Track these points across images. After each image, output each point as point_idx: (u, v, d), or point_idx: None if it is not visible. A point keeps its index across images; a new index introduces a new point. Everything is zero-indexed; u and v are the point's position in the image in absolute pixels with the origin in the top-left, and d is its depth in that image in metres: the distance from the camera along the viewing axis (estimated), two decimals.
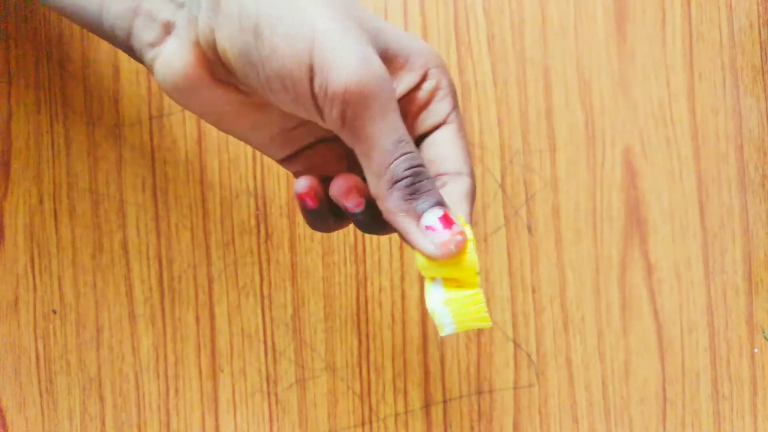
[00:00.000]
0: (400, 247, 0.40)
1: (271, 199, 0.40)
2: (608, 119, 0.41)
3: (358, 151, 0.26)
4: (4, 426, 0.40)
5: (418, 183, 0.26)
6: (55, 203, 0.40)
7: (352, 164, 0.30)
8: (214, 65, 0.26)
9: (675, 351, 0.41)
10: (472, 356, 0.40)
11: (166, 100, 0.40)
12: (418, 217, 0.26)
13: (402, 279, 0.40)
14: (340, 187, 0.28)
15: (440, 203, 0.26)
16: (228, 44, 0.25)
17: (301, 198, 0.28)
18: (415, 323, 0.40)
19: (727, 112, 0.41)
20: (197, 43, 0.26)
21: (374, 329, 0.40)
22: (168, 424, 0.40)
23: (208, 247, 0.40)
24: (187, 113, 0.40)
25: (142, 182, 0.40)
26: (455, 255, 0.26)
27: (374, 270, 0.40)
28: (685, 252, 0.41)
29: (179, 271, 0.40)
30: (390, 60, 0.28)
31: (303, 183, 0.28)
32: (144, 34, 0.27)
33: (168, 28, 0.26)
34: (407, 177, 0.25)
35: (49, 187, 0.40)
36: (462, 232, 0.26)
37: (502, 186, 0.40)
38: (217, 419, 0.40)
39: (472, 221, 0.29)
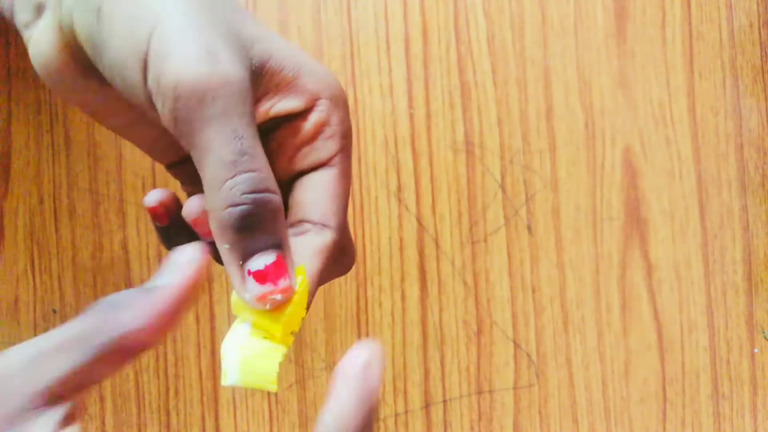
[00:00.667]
0: (400, 248, 0.40)
1: None
2: (608, 119, 0.41)
3: (194, 158, 0.22)
4: None
5: (256, 216, 0.21)
6: (55, 203, 0.40)
7: None
8: (76, 51, 0.24)
9: (675, 351, 0.41)
10: (472, 356, 0.40)
11: None
12: (246, 256, 0.22)
13: (402, 279, 0.40)
14: (191, 211, 0.24)
15: (278, 245, 0.22)
16: (79, 27, 0.23)
17: (150, 213, 0.25)
18: (415, 323, 0.40)
19: (727, 112, 0.41)
20: (61, 28, 0.24)
21: (374, 329, 0.40)
22: (168, 424, 0.40)
23: None
24: None
25: (142, 182, 0.40)
26: (272, 310, 0.22)
27: (374, 270, 0.40)
28: (685, 252, 0.41)
29: None
30: (271, 74, 0.24)
31: (153, 196, 0.25)
32: (21, 14, 0.25)
33: (40, 10, 0.25)
34: (245, 204, 0.21)
35: (49, 187, 0.40)
36: (287, 290, 0.22)
37: (502, 186, 0.41)
38: (217, 419, 0.40)
39: (319, 280, 0.25)
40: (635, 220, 0.41)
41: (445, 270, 0.40)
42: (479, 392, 0.40)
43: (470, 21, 0.40)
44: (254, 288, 0.22)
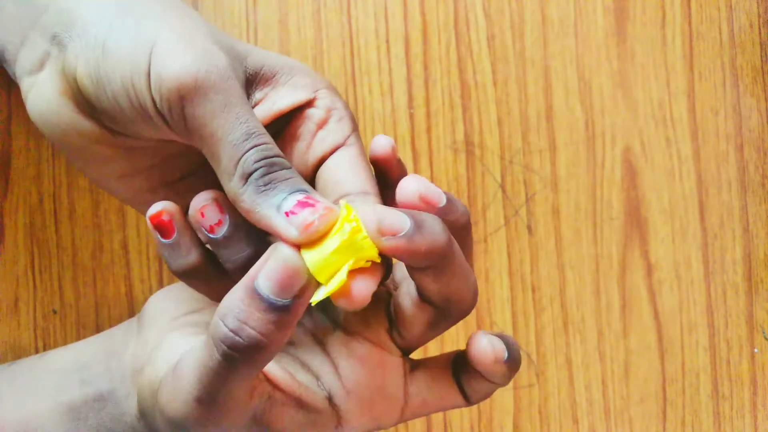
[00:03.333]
0: None
1: None
2: (608, 119, 0.41)
3: (206, 153, 0.23)
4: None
5: (273, 173, 0.23)
6: (55, 203, 0.40)
7: None
8: (78, 96, 0.25)
9: (675, 351, 0.41)
10: None
11: None
12: (277, 206, 0.22)
13: None
14: (197, 202, 0.24)
15: (301, 189, 0.23)
16: (83, 68, 0.24)
17: (153, 224, 0.24)
18: None
19: (727, 112, 0.41)
20: (65, 74, 0.25)
21: None
22: None
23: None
24: None
25: None
26: (324, 233, 0.22)
27: None
28: (685, 252, 0.41)
29: None
30: (267, 78, 0.26)
31: (157, 206, 0.24)
32: (26, 63, 0.26)
33: (44, 59, 0.26)
34: (259, 168, 0.22)
35: (49, 187, 0.40)
36: (327, 209, 0.22)
37: (502, 186, 0.41)
38: None
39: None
40: (635, 220, 0.41)
41: None
42: None
43: (470, 21, 0.40)
44: (296, 220, 0.22)
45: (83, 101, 0.25)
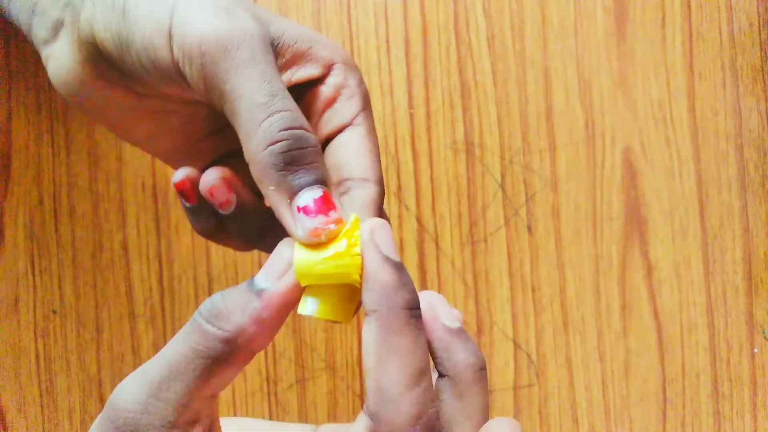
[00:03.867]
0: (400, 248, 0.40)
1: None
2: (608, 119, 0.41)
3: (227, 111, 0.23)
4: (4, 426, 0.40)
5: (297, 151, 0.22)
6: (55, 203, 0.40)
7: None
8: (98, 62, 0.25)
9: (675, 351, 0.41)
10: None
11: None
12: (293, 194, 0.22)
13: None
14: (206, 180, 0.24)
15: (322, 181, 0.22)
16: (104, 34, 0.24)
17: (178, 191, 0.25)
18: None
19: (727, 112, 0.41)
20: (81, 42, 0.25)
21: None
22: None
23: (208, 247, 0.40)
24: None
25: (142, 182, 0.40)
26: (327, 245, 0.22)
27: None
28: (685, 252, 0.41)
29: (179, 271, 0.40)
30: (287, 47, 0.25)
31: (180, 173, 0.25)
32: (39, 32, 0.26)
33: (57, 27, 0.26)
34: (284, 140, 0.22)
35: (49, 187, 0.40)
36: (339, 221, 0.22)
37: (502, 186, 0.41)
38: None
39: None
40: (635, 220, 0.41)
41: (445, 270, 0.40)
42: None
43: (470, 21, 0.40)
44: (306, 222, 0.21)
45: (106, 67, 0.25)
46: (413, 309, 0.21)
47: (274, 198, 0.22)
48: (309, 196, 0.22)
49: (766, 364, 0.41)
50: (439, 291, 0.40)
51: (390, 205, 0.40)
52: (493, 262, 0.40)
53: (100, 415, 0.22)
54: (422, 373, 0.21)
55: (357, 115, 0.26)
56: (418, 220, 0.40)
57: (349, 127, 0.26)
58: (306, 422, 0.40)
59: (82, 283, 0.40)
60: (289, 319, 0.40)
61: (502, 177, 0.40)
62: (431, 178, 0.40)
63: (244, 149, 0.22)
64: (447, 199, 0.40)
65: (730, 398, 0.41)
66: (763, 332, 0.41)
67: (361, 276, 0.22)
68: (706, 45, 0.41)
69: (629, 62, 0.41)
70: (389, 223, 0.24)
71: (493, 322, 0.40)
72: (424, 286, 0.40)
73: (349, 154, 0.25)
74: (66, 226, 0.40)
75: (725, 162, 0.41)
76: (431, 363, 0.23)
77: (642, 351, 0.41)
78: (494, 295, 0.40)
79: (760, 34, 0.41)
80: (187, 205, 0.26)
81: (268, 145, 0.22)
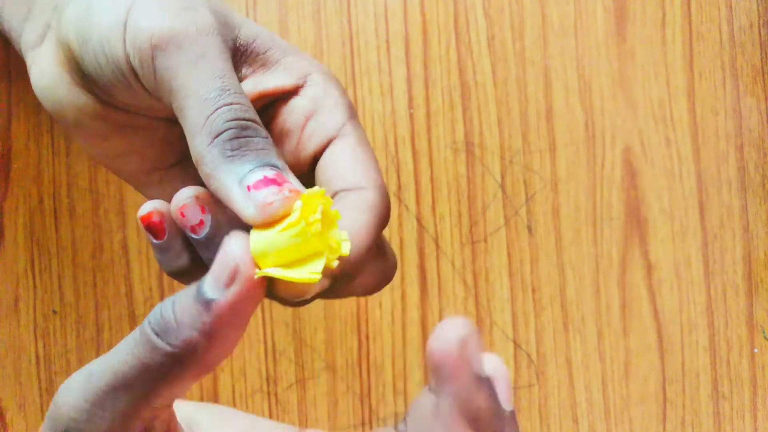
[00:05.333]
0: (400, 248, 0.40)
1: None
2: (608, 119, 0.41)
3: (176, 109, 0.21)
4: (4, 426, 0.40)
5: (244, 138, 0.20)
6: (55, 203, 0.40)
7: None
8: (73, 66, 0.24)
9: (675, 351, 0.41)
10: None
11: None
12: (242, 176, 0.20)
13: (402, 279, 0.40)
14: (177, 200, 0.22)
15: (272, 164, 0.20)
16: (72, 33, 0.23)
17: (144, 225, 0.23)
18: (415, 324, 0.40)
19: (727, 112, 0.41)
20: (60, 42, 0.24)
21: (374, 329, 0.40)
22: None
23: None
24: None
25: None
26: (283, 216, 0.19)
27: None
28: (685, 252, 0.41)
29: None
30: (257, 53, 0.24)
31: (147, 206, 0.23)
32: (30, 36, 0.25)
33: (45, 30, 0.25)
34: (230, 129, 0.20)
35: (49, 187, 0.40)
36: (293, 190, 0.19)
37: (502, 186, 0.41)
38: None
39: (368, 236, 0.22)
40: (635, 220, 0.41)
41: (445, 270, 0.40)
42: None
43: (470, 21, 0.40)
44: (256, 196, 0.19)
45: (80, 74, 0.24)
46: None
47: (222, 189, 0.20)
48: (260, 173, 0.20)
49: (766, 364, 0.41)
50: (439, 291, 0.40)
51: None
52: (493, 262, 0.40)
53: (47, 413, 0.20)
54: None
55: (343, 125, 0.24)
56: (418, 220, 0.40)
57: (336, 139, 0.24)
58: (306, 422, 0.40)
59: (82, 283, 0.40)
60: (289, 318, 0.40)
61: (502, 177, 0.40)
62: (431, 178, 0.40)
63: (191, 150, 0.21)
64: (447, 199, 0.40)
65: (730, 398, 0.41)
66: (763, 332, 0.41)
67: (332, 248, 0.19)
68: (706, 45, 0.41)
69: (629, 62, 0.41)
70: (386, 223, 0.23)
71: (493, 322, 0.40)
72: (424, 286, 0.40)
73: (339, 166, 0.23)
74: (66, 226, 0.40)
75: (725, 162, 0.41)
76: None
77: (642, 351, 0.41)
78: (494, 295, 0.40)
79: (760, 34, 0.41)
80: (155, 241, 0.23)
81: (214, 138, 0.20)
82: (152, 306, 0.40)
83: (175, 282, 0.40)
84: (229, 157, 0.20)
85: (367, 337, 0.40)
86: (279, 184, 0.19)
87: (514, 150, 0.41)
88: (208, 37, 0.21)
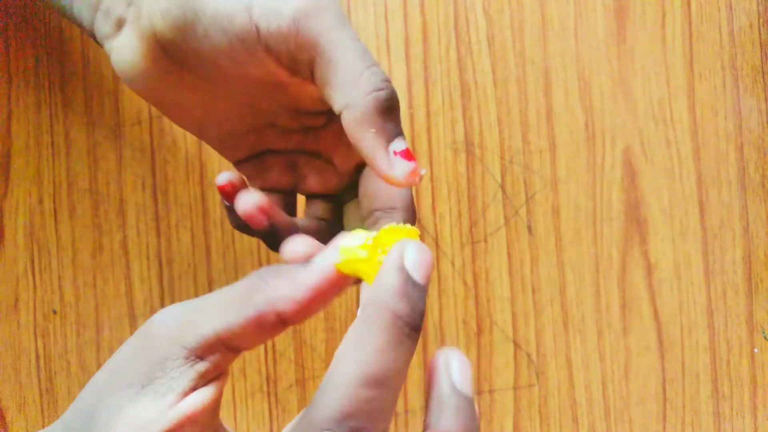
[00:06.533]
0: None
1: None
2: (608, 119, 0.41)
3: (319, 64, 0.24)
4: (4, 426, 0.40)
5: (396, 101, 0.23)
6: (55, 203, 0.40)
7: (299, 178, 0.30)
8: (157, 52, 0.27)
9: (675, 351, 0.41)
10: (472, 356, 0.40)
11: None
12: (389, 139, 0.23)
13: None
14: (244, 206, 0.26)
15: (404, 134, 0.24)
16: (163, 23, 0.25)
17: (219, 188, 0.28)
18: None
19: (727, 112, 0.41)
20: (143, 36, 0.27)
21: None
22: None
23: (208, 247, 0.40)
24: None
25: (142, 182, 0.40)
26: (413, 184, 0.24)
27: None
28: (685, 252, 0.41)
29: (179, 271, 0.40)
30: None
31: (224, 176, 0.27)
32: (103, 27, 0.28)
33: (120, 23, 0.27)
34: (386, 90, 0.23)
35: (49, 187, 0.40)
36: (422, 169, 0.24)
37: (502, 186, 0.41)
38: None
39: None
40: (635, 220, 0.41)
41: (445, 270, 0.40)
42: (479, 392, 0.40)
43: (470, 21, 0.40)
44: (403, 165, 0.23)
45: (163, 56, 0.27)
46: (406, 323, 0.20)
47: (370, 142, 0.23)
48: (402, 143, 0.23)
49: (766, 364, 0.41)
50: (439, 291, 0.40)
51: None
52: (493, 262, 0.40)
53: None
54: (380, 383, 0.19)
55: None
56: (418, 220, 0.40)
57: None
58: None
59: (82, 283, 0.40)
60: None
61: (502, 177, 0.40)
62: (431, 178, 0.40)
63: (338, 96, 0.23)
64: (447, 199, 0.40)
65: (730, 398, 0.41)
66: (763, 332, 0.41)
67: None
68: (706, 45, 0.41)
69: (629, 62, 0.41)
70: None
71: (493, 322, 0.40)
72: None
73: (377, 185, 0.27)
74: (66, 226, 0.40)
75: (725, 162, 0.41)
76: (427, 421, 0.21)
77: (642, 351, 0.41)
78: (494, 295, 0.40)
79: (760, 34, 0.41)
80: (226, 203, 0.28)
81: (373, 91, 0.23)
82: (152, 306, 0.40)
83: (175, 282, 0.40)
84: (386, 113, 0.23)
85: None
86: (415, 160, 0.23)
87: (514, 150, 0.41)
88: (340, 9, 0.24)
